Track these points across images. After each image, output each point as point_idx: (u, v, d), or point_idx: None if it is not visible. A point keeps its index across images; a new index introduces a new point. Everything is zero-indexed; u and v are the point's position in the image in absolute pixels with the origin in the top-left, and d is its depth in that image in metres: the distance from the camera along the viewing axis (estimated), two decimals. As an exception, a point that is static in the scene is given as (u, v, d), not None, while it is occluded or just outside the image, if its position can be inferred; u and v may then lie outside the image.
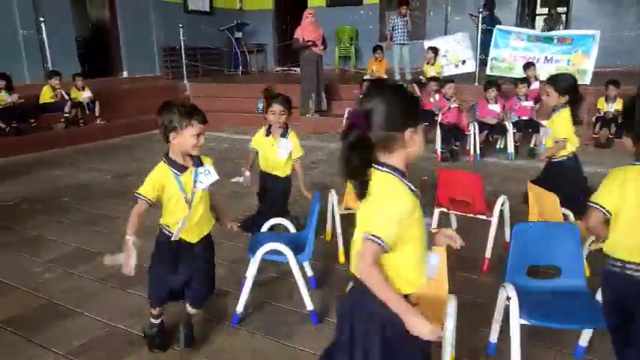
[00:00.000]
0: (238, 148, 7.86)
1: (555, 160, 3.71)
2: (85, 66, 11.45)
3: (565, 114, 3.56)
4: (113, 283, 3.32)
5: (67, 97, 8.38)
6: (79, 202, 5.14)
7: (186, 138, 2.33)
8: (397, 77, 9.62)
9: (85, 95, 8.72)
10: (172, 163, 2.40)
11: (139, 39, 11.97)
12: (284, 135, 3.60)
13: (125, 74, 12.09)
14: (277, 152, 3.59)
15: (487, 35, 9.93)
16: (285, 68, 14.14)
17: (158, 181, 2.39)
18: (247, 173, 3.74)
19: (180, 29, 11.12)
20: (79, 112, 8.63)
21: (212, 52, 13.25)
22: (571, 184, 3.60)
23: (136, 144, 8.47)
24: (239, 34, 13.60)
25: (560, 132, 3.57)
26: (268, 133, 3.63)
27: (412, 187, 1.60)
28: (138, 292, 3.20)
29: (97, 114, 8.86)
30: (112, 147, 8.26)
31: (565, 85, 3.54)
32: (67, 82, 8.58)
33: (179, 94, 11.13)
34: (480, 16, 8.90)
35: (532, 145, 6.86)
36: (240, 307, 2.81)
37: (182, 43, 11.29)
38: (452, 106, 6.90)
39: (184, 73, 11.45)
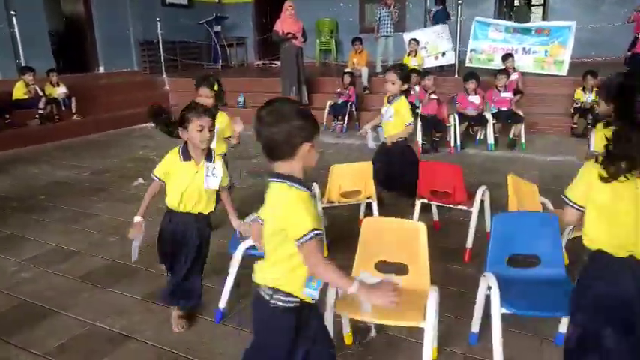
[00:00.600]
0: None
1: None
2: (60, 61, 11.20)
3: None
4: (93, 282, 3.26)
5: (41, 93, 8.18)
6: (57, 200, 5.03)
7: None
8: (379, 70, 9.62)
9: (60, 91, 8.53)
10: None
11: (115, 33, 11.72)
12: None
13: (102, 69, 11.86)
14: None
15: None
16: (266, 62, 14.02)
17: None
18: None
19: (158, 23, 10.91)
20: (55, 108, 8.43)
21: (191, 46, 13.06)
22: None
23: (114, 140, 8.32)
24: (218, 28, 13.43)
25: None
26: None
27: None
28: (118, 290, 3.16)
29: (73, 110, 8.67)
30: (90, 143, 8.10)
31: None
32: (41, 77, 8.38)
33: (158, 89, 10.97)
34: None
35: (511, 136, 6.95)
36: (222, 303, 2.78)
37: (160, 37, 11.09)
38: (431, 97, 6.94)
39: (163, 67, 11.26)
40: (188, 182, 2.55)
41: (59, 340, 2.63)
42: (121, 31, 11.89)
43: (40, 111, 8.10)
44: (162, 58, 11.25)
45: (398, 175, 4.03)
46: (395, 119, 4.12)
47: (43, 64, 8.92)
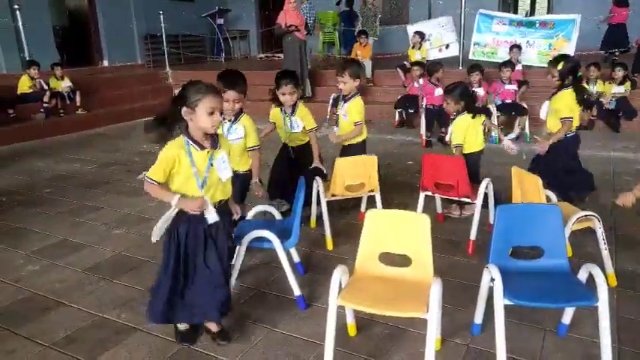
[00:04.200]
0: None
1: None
2: (64, 55, 11.22)
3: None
4: (99, 274, 3.29)
5: (46, 86, 8.22)
6: (62, 193, 5.06)
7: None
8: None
9: (65, 85, 8.55)
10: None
11: (118, 27, 11.74)
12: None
13: (105, 63, 11.89)
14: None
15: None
16: (269, 54, 13.99)
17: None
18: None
19: (161, 16, 10.91)
20: (59, 102, 8.46)
21: (194, 39, 13.06)
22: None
23: (118, 134, 8.35)
24: (221, 21, 13.42)
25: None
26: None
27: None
28: (124, 282, 3.18)
29: (77, 104, 8.70)
30: (94, 137, 8.13)
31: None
32: (45, 71, 8.41)
33: (161, 82, 10.98)
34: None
35: (516, 130, 6.92)
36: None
37: (163, 31, 11.09)
38: (436, 94, 6.91)
39: (166, 60, 11.28)
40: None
41: (66, 331, 2.66)
42: (125, 25, 11.90)
43: (45, 105, 8.13)
44: (165, 51, 11.25)
45: None
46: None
47: (47, 58, 8.95)
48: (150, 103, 10.06)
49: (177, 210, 2.30)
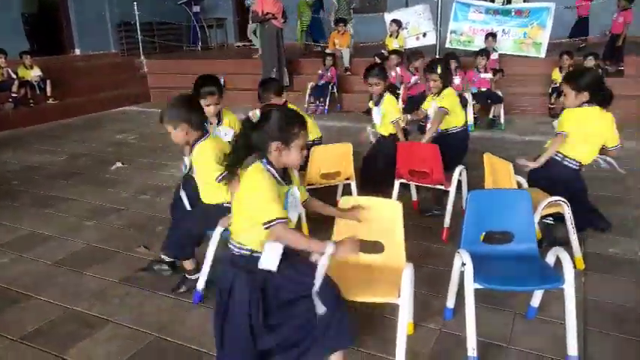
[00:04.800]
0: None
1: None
2: (34, 44, 10.90)
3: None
4: (69, 266, 3.23)
5: (14, 76, 7.97)
6: (31, 185, 4.93)
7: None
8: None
9: (34, 74, 8.31)
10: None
11: (90, 14, 11.43)
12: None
13: (77, 52, 11.59)
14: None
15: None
16: (247, 43, 13.80)
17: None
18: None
19: (135, 3, 10.65)
20: (29, 91, 8.23)
21: (169, 27, 12.79)
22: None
23: (91, 124, 8.17)
24: (197, 9, 13.16)
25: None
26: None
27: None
28: (95, 274, 3.13)
29: (48, 93, 8.47)
30: (66, 127, 7.93)
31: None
32: (14, 60, 8.15)
33: (135, 71, 10.76)
34: None
35: (490, 116, 7.00)
36: (200, 285, 2.77)
37: (137, 18, 10.84)
38: (412, 80, 6.93)
39: (140, 49, 11.03)
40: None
41: (35, 324, 2.60)
42: (97, 12, 11.59)
43: (13, 94, 7.91)
44: (139, 39, 11.01)
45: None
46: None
47: (15, 46, 8.66)
48: (124, 92, 9.87)
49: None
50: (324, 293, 1.86)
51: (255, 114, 1.90)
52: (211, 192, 2.73)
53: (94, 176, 5.14)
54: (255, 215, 1.87)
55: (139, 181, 4.85)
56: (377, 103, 4.08)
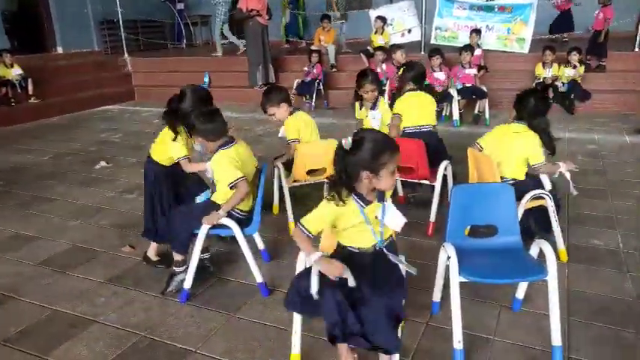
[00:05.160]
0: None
1: None
2: (14, 42, 10.71)
3: None
4: (53, 267, 3.19)
5: (-6, 74, 7.84)
6: (13, 185, 4.85)
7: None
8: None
9: (15, 72, 8.17)
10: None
11: (72, 12, 11.26)
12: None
13: (60, 50, 11.42)
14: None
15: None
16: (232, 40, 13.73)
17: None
18: None
19: (117, 1, 10.52)
20: (10, 90, 8.08)
21: (153, 24, 12.66)
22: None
23: (74, 123, 8.06)
24: (181, 6, 13.06)
25: None
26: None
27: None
28: (79, 274, 3.09)
29: (30, 92, 8.34)
30: (49, 127, 7.81)
31: None
32: (-7, 59, 8.01)
33: (119, 69, 10.63)
34: None
35: (476, 112, 7.06)
36: (188, 283, 2.76)
37: (120, 16, 10.71)
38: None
39: (124, 47, 10.90)
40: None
41: (19, 326, 2.57)
42: (79, 10, 11.42)
43: (-6, 93, 7.77)
44: (122, 37, 10.87)
45: None
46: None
47: (-6, 44, 8.52)
48: (107, 91, 9.75)
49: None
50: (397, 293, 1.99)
51: (348, 141, 1.91)
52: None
53: (78, 176, 5.07)
54: None
55: (123, 180, 4.79)
56: (373, 107, 4.04)
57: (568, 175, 3.05)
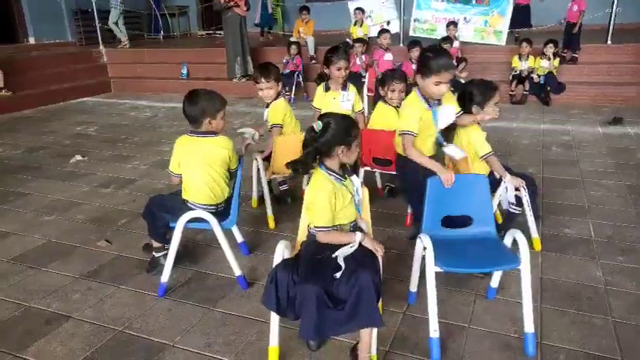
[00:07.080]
0: (163, 116, 7.55)
1: None
2: (-17, 32, 10.41)
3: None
4: (26, 263, 3.12)
5: (-37, 66, 7.60)
6: (-15, 180, 4.74)
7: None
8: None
9: (-15, 64, 7.94)
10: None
11: (44, 1, 10.97)
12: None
13: (32, 40, 11.14)
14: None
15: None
16: (210, 32, 13.57)
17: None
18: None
19: (91, -10, 10.30)
20: (-21, 83, 7.87)
21: (130, 15, 12.40)
22: None
23: (48, 116, 7.88)
24: (158, -4, 12.85)
25: None
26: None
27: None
28: (54, 270, 3.04)
29: (1, 84, 8.11)
30: (21, 120, 7.62)
31: None
32: (-39, 49, 7.78)
33: (95, 61, 10.42)
34: None
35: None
36: (165, 277, 2.74)
37: (94, 6, 10.47)
38: (386, 58, 6.93)
39: (99, 38, 10.67)
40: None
41: (-10, 324, 2.52)
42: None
43: (-37, 86, 7.55)
44: (97, 28, 10.64)
45: None
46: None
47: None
48: (83, 83, 9.55)
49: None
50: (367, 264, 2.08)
51: (317, 124, 2.15)
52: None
53: (53, 170, 4.97)
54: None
55: (100, 175, 4.71)
56: (344, 88, 3.79)
57: (510, 187, 2.89)
